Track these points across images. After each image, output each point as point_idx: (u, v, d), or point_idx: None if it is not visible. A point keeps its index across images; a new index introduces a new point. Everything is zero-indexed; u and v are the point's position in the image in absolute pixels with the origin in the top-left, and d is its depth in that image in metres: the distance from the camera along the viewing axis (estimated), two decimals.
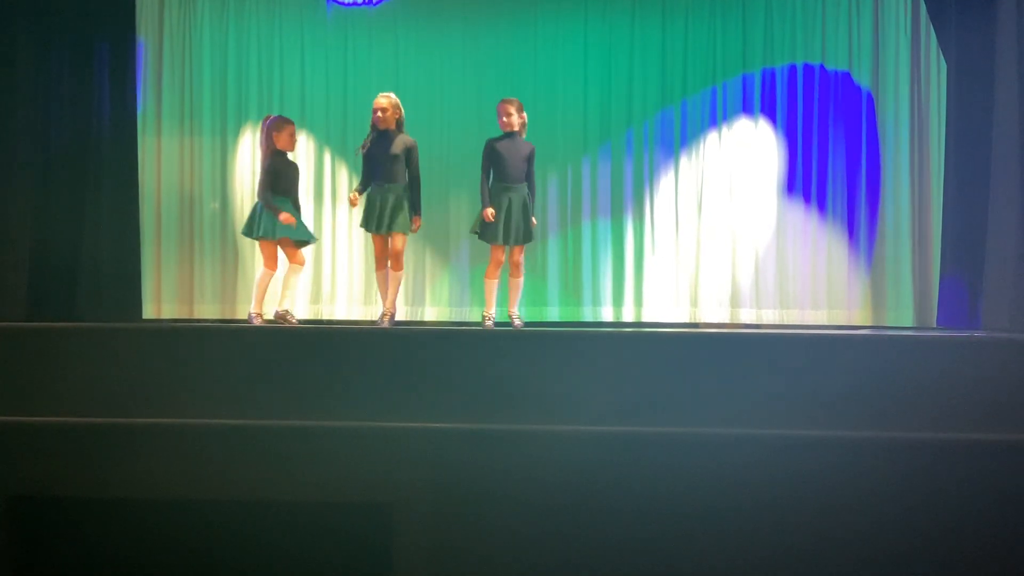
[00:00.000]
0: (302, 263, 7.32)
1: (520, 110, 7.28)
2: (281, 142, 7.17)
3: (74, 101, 8.29)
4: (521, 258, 7.32)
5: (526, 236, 7.26)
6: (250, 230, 7.22)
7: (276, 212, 7.04)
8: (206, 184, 9.08)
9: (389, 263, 7.15)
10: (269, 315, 7.37)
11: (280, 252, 7.25)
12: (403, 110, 7.15)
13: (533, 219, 7.35)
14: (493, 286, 7.30)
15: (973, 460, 4.30)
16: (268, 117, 7.39)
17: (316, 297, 9.03)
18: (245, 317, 8.93)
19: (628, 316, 8.96)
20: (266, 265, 7.27)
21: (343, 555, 4.44)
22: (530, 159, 7.27)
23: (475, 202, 9.07)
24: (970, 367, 4.80)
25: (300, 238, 7.25)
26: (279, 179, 7.14)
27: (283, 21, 9.15)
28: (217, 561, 4.45)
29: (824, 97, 8.93)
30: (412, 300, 9.10)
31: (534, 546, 4.36)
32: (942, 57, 8.36)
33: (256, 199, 7.28)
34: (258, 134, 7.35)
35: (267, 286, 7.25)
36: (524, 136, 7.32)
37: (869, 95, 8.85)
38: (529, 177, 7.29)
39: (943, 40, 8.19)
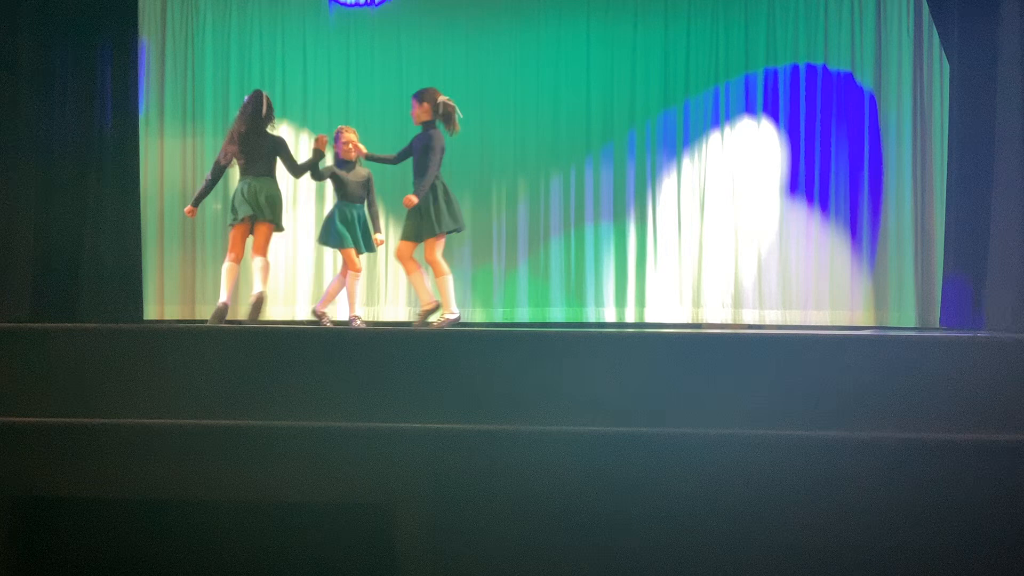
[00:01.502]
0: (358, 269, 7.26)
1: (420, 101, 6.89)
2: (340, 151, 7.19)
3: (77, 101, 8.30)
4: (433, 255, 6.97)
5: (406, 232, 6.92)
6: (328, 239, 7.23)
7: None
8: None
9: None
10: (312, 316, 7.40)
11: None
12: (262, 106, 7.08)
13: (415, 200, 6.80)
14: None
15: (977, 460, 4.29)
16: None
17: (318, 298, 9.02)
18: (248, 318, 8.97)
19: (631, 317, 8.96)
20: (352, 269, 7.18)
21: (343, 555, 4.44)
22: (414, 148, 6.88)
23: (477, 203, 9.11)
24: (973, 367, 4.79)
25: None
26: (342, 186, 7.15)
27: (285, 21, 9.15)
28: (218, 561, 4.44)
29: (827, 97, 8.92)
30: (415, 301, 9.09)
31: (536, 547, 4.35)
32: (944, 58, 8.35)
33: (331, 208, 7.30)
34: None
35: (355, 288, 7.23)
36: (439, 125, 6.90)
37: (871, 96, 8.84)
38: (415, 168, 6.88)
39: (946, 41, 8.17)
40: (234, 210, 7.00)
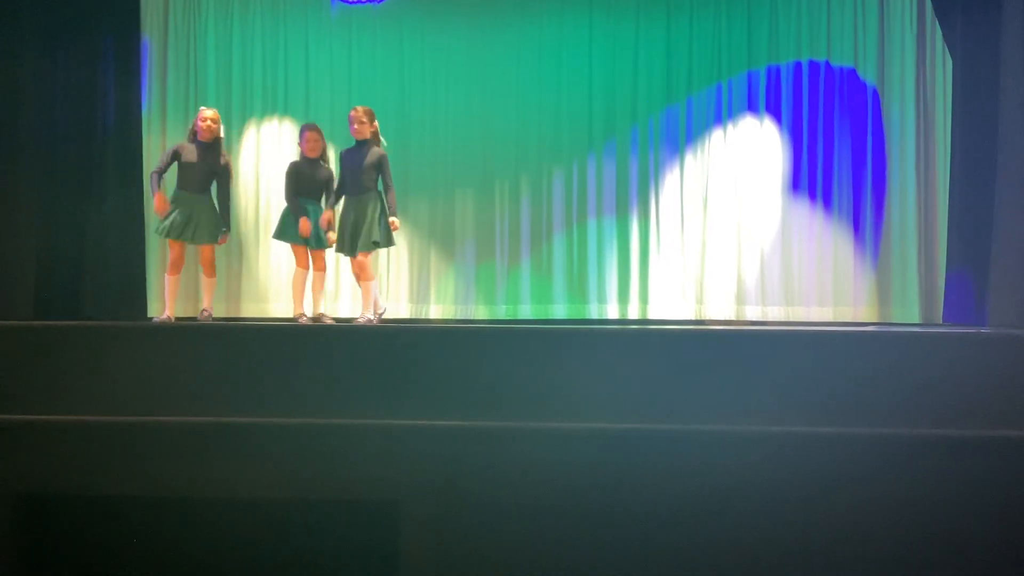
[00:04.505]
0: (321, 269, 7.45)
1: (372, 119, 7.17)
2: (304, 148, 7.36)
3: (79, 100, 8.30)
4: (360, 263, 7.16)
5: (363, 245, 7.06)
6: (278, 233, 7.43)
7: (296, 216, 7.28)
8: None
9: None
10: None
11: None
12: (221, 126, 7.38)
13: (393, 221, 7.10)
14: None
15: (980, 456, 4.29)
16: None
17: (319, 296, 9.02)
18: (250, 315, 8.97)
19: (634, 313, 8.96)
20: (299, 265, 7.42)
21: (348, 551, 4.44)
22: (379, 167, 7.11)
23: (480, 200, 9.11)
24: (976, 363, 4.79)
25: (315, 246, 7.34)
26: (299, 183, 7.30)
27: (287, 19, 9.15)
28: (225, 558, 4.45)
29: (829, 94, 8.91)
30: (417, 298, 9.10)
31: (540, 543, 4.35)
32: (948, 53, 8.35)
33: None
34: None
35: (301, 285, 7.41)
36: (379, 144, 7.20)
37: (875, 91, 8.83)
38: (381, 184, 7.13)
39: (948, 36, 8.16)
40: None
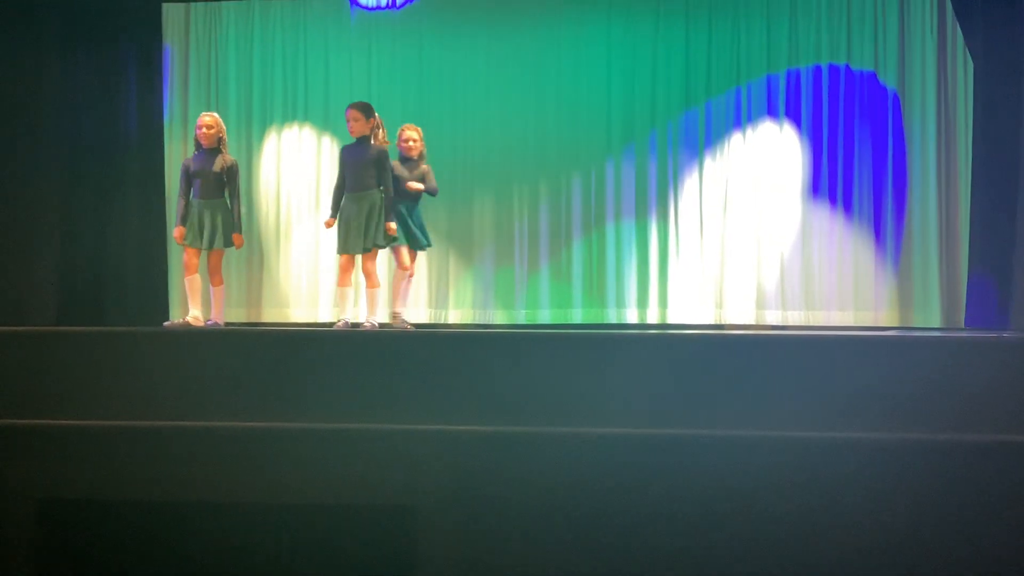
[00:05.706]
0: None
1: (367, 114, 6.89)
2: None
3: (101, 107, 8.36)
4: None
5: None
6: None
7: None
8: None
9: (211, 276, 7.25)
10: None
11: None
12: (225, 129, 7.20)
13: (389, 225, 6.85)
14: (346, 293, 7.10)
15: (1003, 461, 4.27)
16: None
17: (337, 300, 9.05)
18: (271, 320, 8.99)
19: (653, 318, 8.93)
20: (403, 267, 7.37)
21: (366, 556, 4.45)
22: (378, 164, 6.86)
23: (499, 205, 9.12)
24: (999, 367, 4.76)
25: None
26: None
27: (307, 25, 9.19)
28: (242, 562, 4.47)
29: (849, 98, 8.86)
30: (436, 303, 9.11)
31: (558, 548, 4.35)
32: (969, 56, 8.30)
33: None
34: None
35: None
36: (376, 141, 6.91)
37: (895, 95, 8.79)
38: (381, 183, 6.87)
39: (970, 39, 8.12)
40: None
